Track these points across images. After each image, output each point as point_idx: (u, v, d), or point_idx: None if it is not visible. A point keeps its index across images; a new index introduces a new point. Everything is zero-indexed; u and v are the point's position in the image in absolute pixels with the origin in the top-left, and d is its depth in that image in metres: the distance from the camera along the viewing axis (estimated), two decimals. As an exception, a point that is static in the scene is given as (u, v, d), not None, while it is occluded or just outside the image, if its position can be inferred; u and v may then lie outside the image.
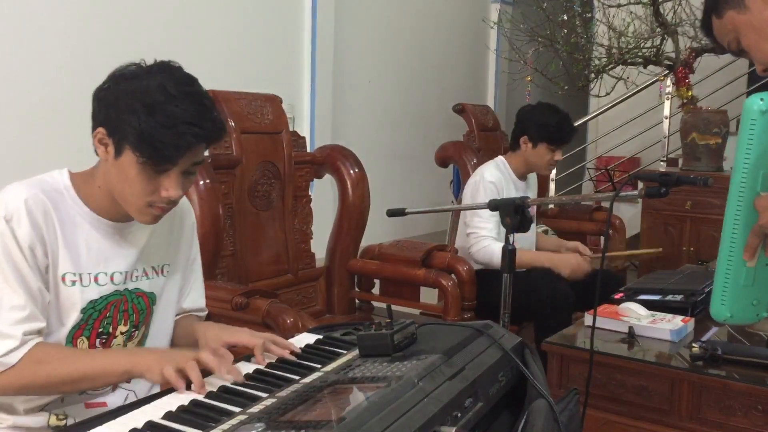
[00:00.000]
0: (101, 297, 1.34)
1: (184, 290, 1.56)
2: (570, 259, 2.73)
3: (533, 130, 2.84)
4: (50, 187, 1.31)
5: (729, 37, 1.24)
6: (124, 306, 1.38)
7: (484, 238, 2.72)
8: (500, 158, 2.95)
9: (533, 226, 3.09)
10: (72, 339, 1.33)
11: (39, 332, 1.27)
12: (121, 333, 1.39)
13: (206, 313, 1.64)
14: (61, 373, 1.23)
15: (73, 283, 1.31)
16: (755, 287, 1.09)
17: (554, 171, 5.31)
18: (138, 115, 1.21)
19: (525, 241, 2.95)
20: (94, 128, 1.28)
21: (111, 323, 1.37)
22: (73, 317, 1.32)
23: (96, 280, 1.33)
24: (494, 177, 2.81)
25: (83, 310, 1.32)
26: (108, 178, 1.30)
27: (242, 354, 1.38)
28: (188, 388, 1.18)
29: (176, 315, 1.56)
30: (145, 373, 1.22)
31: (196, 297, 1.59)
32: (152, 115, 1.21)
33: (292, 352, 1.35)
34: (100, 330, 1.36)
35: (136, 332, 1.43)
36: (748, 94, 5.31)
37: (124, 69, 1.28)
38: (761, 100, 1.03)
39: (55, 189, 1.31)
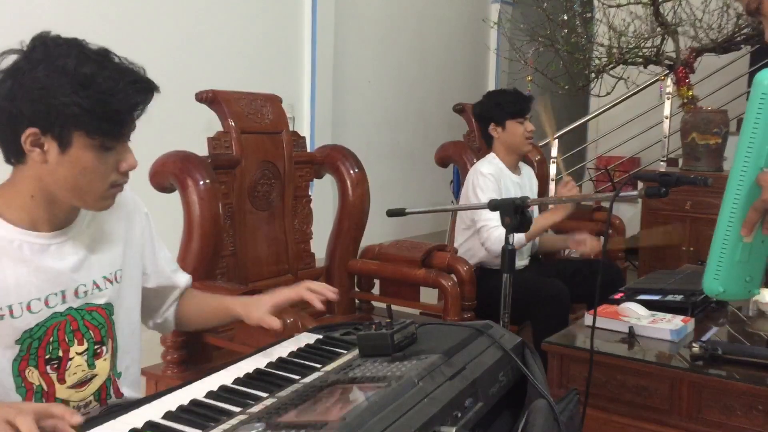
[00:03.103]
0: (37, 325, 1.24)
1: (170, 277, 1.54)
2: (558, 208, 2.79)
3: (495, 114, 2.94)
4: None
5: None
6: (72, 326, 1.28)
7: (495, 228, 2.71)
8: (490, 155, 2.99)
9: None
10: (18, 371, 1.24)
11: None
12: (78, 354, 1.30)
13: (189, 277, 1.61)
14: None
15: (2, 317, 1.20)
16: (750, 264, 1.08)
17: (554, 170, 5.32)
18: (77, 94, 1.13)
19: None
20: (15, 133, 1.16)
21: (58, 347, 1.27)
22: (10, 350, 1.22)
23: (29, 308, 1.23)
24: (490, 169, 2.85)
25: (19, 341, 1.22)
26: (50, 180, 1.20)
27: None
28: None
29: (176, 298, 1.56)
30: None
31: (181, 275, 1.58)
32: (93, 88, 1.14)
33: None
34: (47, 357, 1.26)
35: (103, 348, 1.34)
36: (749, 94, 5.32)
37: (10, 62, 1.16)
38: None
39: None
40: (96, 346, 1.33)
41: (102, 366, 1.35)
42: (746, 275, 1.09)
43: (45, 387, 1.27)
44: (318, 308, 1.40)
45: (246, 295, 1.53)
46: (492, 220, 2.74)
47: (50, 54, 1.15)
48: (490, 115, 2.96)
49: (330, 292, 1.42)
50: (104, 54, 1.19)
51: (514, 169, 2.99)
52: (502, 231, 2.69)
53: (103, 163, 1.20)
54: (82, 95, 1.13)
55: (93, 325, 1.32)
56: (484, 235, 2.76)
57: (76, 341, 1.29)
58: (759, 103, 1.02)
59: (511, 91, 3.02)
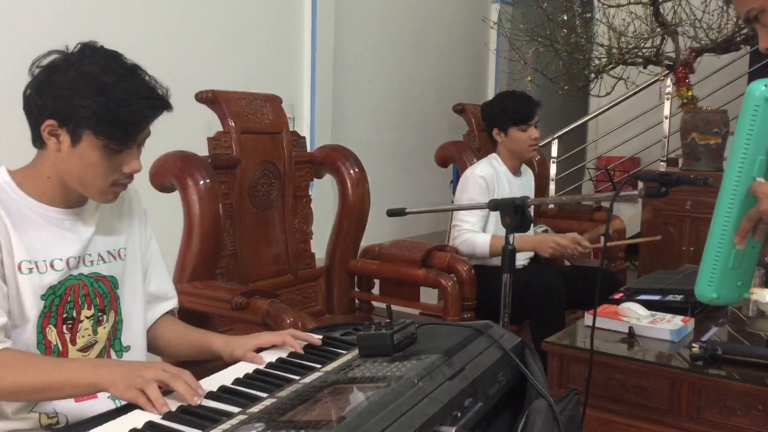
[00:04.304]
0: (59, 282, 1.35)
1: (151, 278, 1.57)
2: (548, 241, 2.75)
3: (498, 120, 2.91)
4: None
5: (754, 5, 1.18)
6: (84, 290, 1.39)
7: (465, 232, 2.76)
8: (493, 155, 2.99)
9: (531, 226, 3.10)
10: (41, 329, 1.34)
11: (2, 328, 1.27)
12: (87, 317, 1.40)
13: (176, 301, 1.63)
14: (25, 382, 1.22)
15: (30, 270, 1.32)
16: (741, 269, 1.11)
17: (554, 170, 5.32)
18: (93, 98, 1.25)
19: None
20: (38, 121, 1.30)
21: (74, 308, 1.38)
22: (35, 306, 1.32)
23: (52, 266, 1.34)
24: (484, 172, 2.84)
25: (44, 297, 1.33)
26: (62, 167, 1.33)
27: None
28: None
29: (159, 314, 1.58)
30: (109, 387, 1.19)
31: (159, 282, 1.59)
32: (107, 96, 1.26)
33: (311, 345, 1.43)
34: (65, 315, 1.37)
35: (104, 317, 1.43)
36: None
37: (50, 59, 1.30)
38: (765, 86, 1.03)
39: None
40: (99, 314, 1.43)
41: (102, 333, 1.44)
42: (737, 280, 1.12)
43: (60, 347, 1.37)
44: (298, 351, 1.41)
45: (228, 335, 1.56)
46: (466, 222, 2.77)
47: (84, 60, 1.29)
48: (494, 120, 2.94)
49: (314, 339, 1.45)
50: (131, 69, 1.31)
51: (516, 171, 2.98)
52: (472, 235, 2.75)
53: (108, 163, 1.31)
54: (97, 100, 1.26)
55: (99, 293, 1.43)
56: (453, 234, 2.81)
57: (86, 305, 1.40)
58: (752, 114, 1.03)
59: (518, 95, 2.94)
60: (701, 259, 1.12)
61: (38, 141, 1.33)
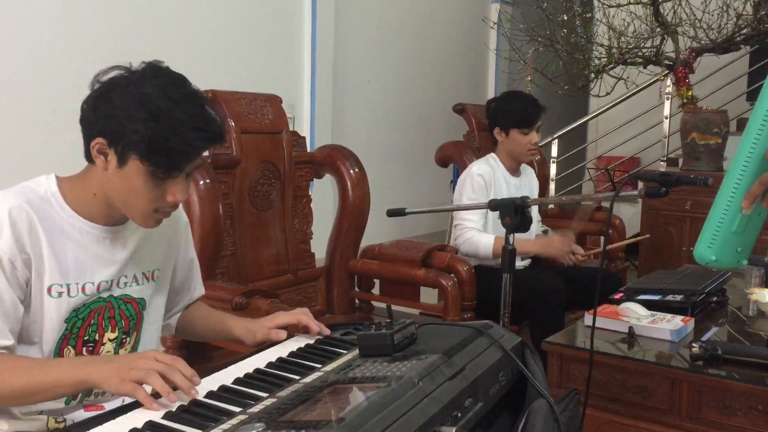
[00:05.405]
0: (84, 305, 1.33)
1: (190, 286, 1.61)
2: (552, 242, 2.77)
3: (501, 120, 2.92)
4: (36, 195, 1.29)
5: None
6: (110, 313, 1.37)
7: (468, 230, 2.78)
8: (491, 155, 2.99)
9: (535, 227, 3.10)
10: (59, 350, 1.32)
11: (6, 349, 1.24)
12: (110, 340, 1.38)
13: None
14: (14, 385, 1.17)
15: (60, 294, 1.29)
16: (743, 235, 1.10)
17: (554, 170, 5.32)
18: (145, 123, 1.21)
19: None
20: (89, 137, 1.27)
21: (96, 330, 1.36)
22: (57, 328, 1.30)
23: (83, 290, 1.32)
24: (482, 170, 2.85)
25: (67, 320, 1.31)
26: (108, 186, 1.30)
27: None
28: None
29: (184, 306, 1.62)
30: (101, 383, 1.16)
31: (199, 287, 1.65)
32: (159, 123, 1.21)
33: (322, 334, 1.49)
34: (86, 338, 1.34)
35: (127, 339, 1.41)
36: (749, 94, 5.32)
37: (112, 75, 1.27)
38: None
39: (42, 197, 1.29)
40: (123, 336, 1.41)
41: (122, 354, 1.41)
42: (738, 246, 1.11)
43: None
44: (313, 331, 1.49)
45: (247, 318, 1.60)
46: (468, 221, 2.78)
47: (144, 80, 1.25)
48: (496, 119, 2.94)
49: (325, 329, 1.50)
50: (189, 96, 1.26)
51: (514, 171, 2.99)
52: (476, 234, 2.77)
53: (151, 190, 1.27)
54: (149, 125, 1.21)
55: (126, 315, 1.41)
56: (456, 233, 2.82)
57: (110, 328, 1.38)
58: None
59: (525, 97, 2.95)
60: (705, 222, 1.11)
61: (88, 156, 1.31)
